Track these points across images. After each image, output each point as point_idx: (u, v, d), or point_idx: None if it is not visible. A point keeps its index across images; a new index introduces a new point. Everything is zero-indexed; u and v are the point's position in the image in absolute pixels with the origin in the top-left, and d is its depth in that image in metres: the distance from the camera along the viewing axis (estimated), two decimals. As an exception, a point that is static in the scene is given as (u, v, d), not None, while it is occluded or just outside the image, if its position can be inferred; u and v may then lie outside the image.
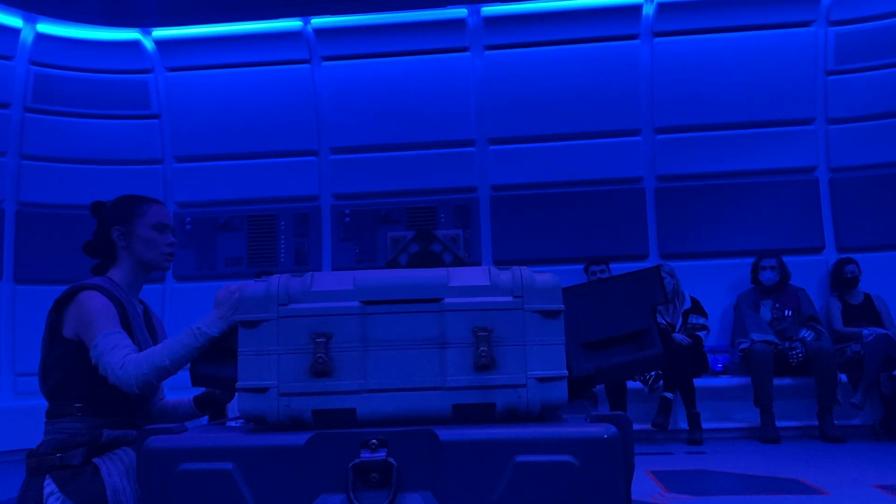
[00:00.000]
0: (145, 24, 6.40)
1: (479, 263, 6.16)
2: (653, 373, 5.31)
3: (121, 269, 2.14)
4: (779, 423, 5.21)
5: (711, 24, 6.28)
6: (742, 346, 5.52)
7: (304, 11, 6.35)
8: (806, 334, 5.46)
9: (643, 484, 3.76)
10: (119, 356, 1.85)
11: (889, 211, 6.05)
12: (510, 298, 1.52)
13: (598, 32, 6.37)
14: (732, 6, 6.22)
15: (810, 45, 6.24)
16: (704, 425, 5.29)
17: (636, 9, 6.31)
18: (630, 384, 5.36)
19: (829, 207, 6.21)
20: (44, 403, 2.02)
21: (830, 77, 6.23)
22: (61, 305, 2.01)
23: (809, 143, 6.24)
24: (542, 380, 1.49)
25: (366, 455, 1.40)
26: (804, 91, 6.24)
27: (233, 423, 1.75)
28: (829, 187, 6.22)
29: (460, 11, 6.37)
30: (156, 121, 6.63)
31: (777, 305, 5.72)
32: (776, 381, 5.26)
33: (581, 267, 5.94)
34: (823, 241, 6.18)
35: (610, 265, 5.86)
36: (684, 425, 5.34)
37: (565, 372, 1.51)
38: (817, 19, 6.22)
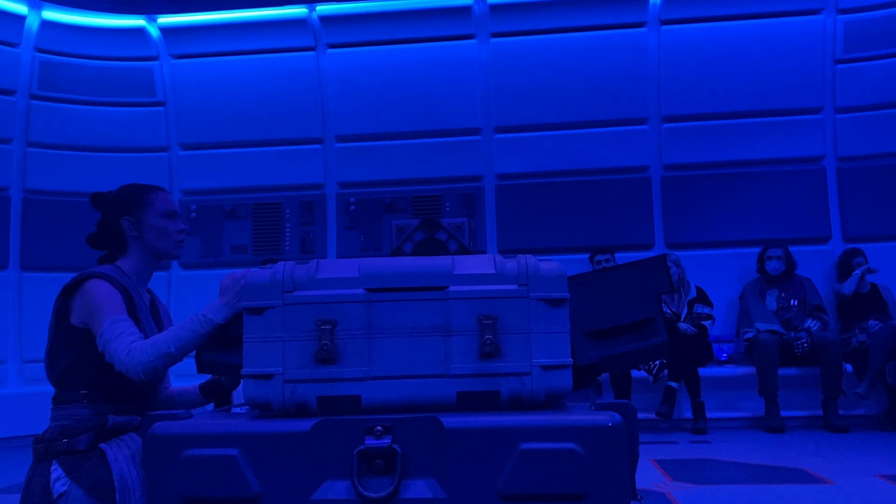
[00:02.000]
0: (150, 11, 6.39)
1: (484, 252, 6.16)
2: (657, 362, 5.31)
3: (130, 259, 2.14)
4: (784, 413, 5.21)
5: (719, 11, 6.24)
6: (747, 335, 5.51)
7: (310, -2, 6.33)
8: (812, 324, 5.45)
9: (648, 473, 3.77)
10: (125, 343, 1.86)
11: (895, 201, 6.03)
12: (515, 287, 1.51)
13: (605, 20, 6.33)
14: (741, -6, 6.18)
15: (819, 34, 6.19)
16: (709, 415, 5.29)
17: (643, -4, 6.28)
18: (635, 373, 5.37)
19: (836, 197, 6.18)
20: (50, 390, 2.02)
21: (839, 65, 6.19)
22: (69, 293, 2.01)
23: (817, 132, 6.21)
24: (546, 368, 1.49)
25: (370, 442, 1.40)
26: (812, 80, 6.20)
27: (238, 410, 1.76)
28: (837, 177, 6.20)
29: (466, -2, 6.34)
30: (161, 108, 6.63)
31: (783, 295, 5.71)
32: (781, 371, 5.26)
33: (586, 256, 5.94)
34: (830, 231, 6.16)
35: (615, 254, 5.85)
36: (689, 414, 5.34)
37: (570, 360, 1.51)
38: (826, 7, 6.17)
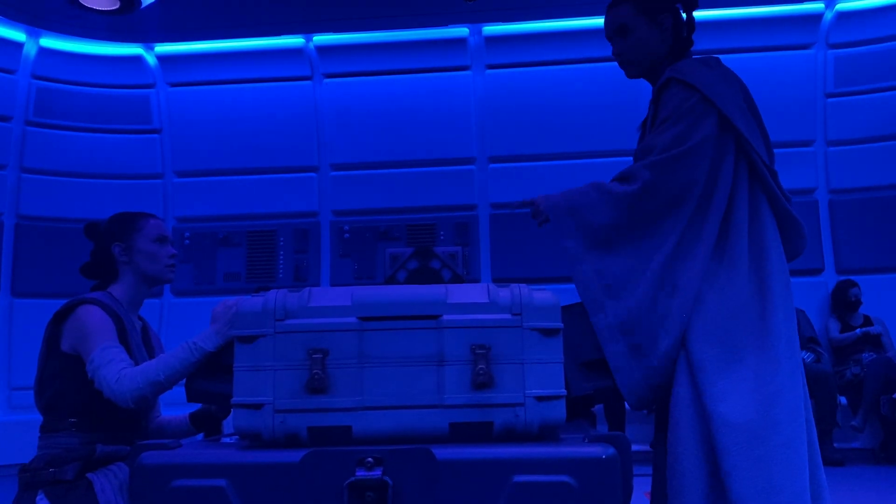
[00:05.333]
0: (148, 39, 6.43)
1: (478, 281, 6.16)
2: (651, 393, 5.28)
3: (122, 285, 2.14)
4: (778, 446, 5.18)
5: (711, 45, 6.30)
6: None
7: (307, 29, 6.38)
8: (805, 356, 5.44)
9: (641, 505, 3.72)
10: (115, 370, 1.84)
11: (888, 233, 6.05)
12: (509, 316, 1.51)
13: (599, 53, 6.38)
14: (732, 28, 6.26)
15: (810, 68, 6.27)
16: (703, 447, 5.25)
17: (637, 30, 6.35)
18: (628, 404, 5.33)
19: (828, 229, 6.21)
20: (39, 418, 2.00)
21: (830, 99, 6.26)
22: (60, 319, 2.01)
23: (809, 164, 6.26)
24: (540, 399, 1.47)
25: (361, 473, 1.38)
26: (804, 113, 6.26)
27: (227, 440, 1.74)
28: (829, 209, 6.23)
29: (462, 30, 6.40)
30: (157, 135, 6.64)
31: (776, 327, 5.70)
32: (775, 403, 5.23)
33: (580, 286, 5.93)
34: (823, 263, 6.17)
35: (609, 284, 5.84)
36: (683, 446, 5.30)
37: (564, 391, 1.50)
38: (817, 42, 6.26)
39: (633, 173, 1.90)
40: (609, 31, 2.15)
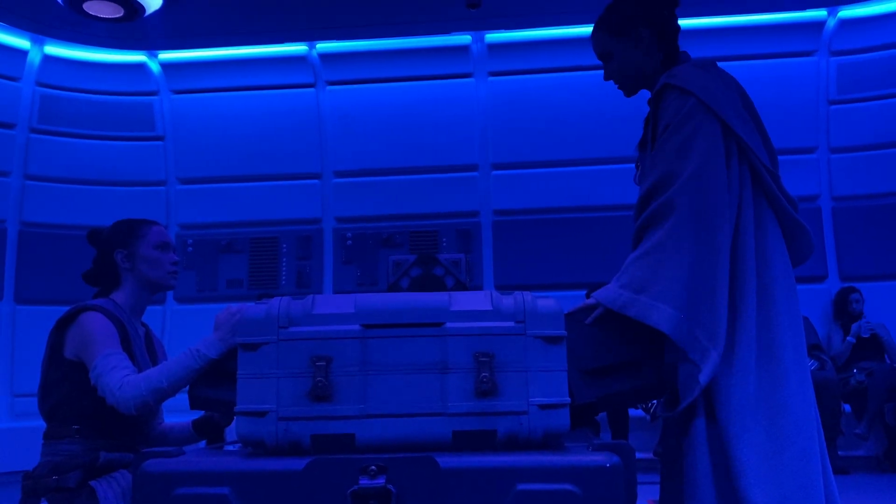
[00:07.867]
0: (151, 46, 6.45)
1: (481, 288, 6.15)
2: (655, 401, 5.27)
3: (124, 292, 2.14)
4: (782, 453, 5.16)
5: (714, 52, 6.29)
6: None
7: (310, 36, 6.40)
8: (809, 363, 5.42)
9: (645, 513, 3.71)
10: (118, 377, 1.84)
11: (891, 240, 6.04)
12: (512, 324, 1.50)
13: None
14: (734, 36, 6.26)
15: (812, 75, 6.27)
16: (707, 454, 5.23)
17: (639, 37, 6.35)
18: (632, 412, 5.32)
19: (831, 236, 6.20)
20: (42, 424, 2.00)
21: (833, 106, 6.26)
22: (63, 326, 2.01)
23: (812, 171, 6.25)
24: (543, 407, 1.47)
25: (364, 482, 1.38)
26: (806, 120, 6.26)
27: (230, 447, 1.73)
28: (832, 216, 6.22)
29: (465, 38, 6.42)
30: (160, 143, 6.66)
31: (780, 334, 5.69)
32: (779, 411, 5.21)
33: (583, 293, 5.92)
34: (826, 270, 6.16)
35: (612, 291, 5.82)
36: (686, 454, 5.28)
37: (567, 399, 1.49)
38: (819, 49, 6.26)
39: (663, 210, 1.82)
40: (597, 57, 2.14)
